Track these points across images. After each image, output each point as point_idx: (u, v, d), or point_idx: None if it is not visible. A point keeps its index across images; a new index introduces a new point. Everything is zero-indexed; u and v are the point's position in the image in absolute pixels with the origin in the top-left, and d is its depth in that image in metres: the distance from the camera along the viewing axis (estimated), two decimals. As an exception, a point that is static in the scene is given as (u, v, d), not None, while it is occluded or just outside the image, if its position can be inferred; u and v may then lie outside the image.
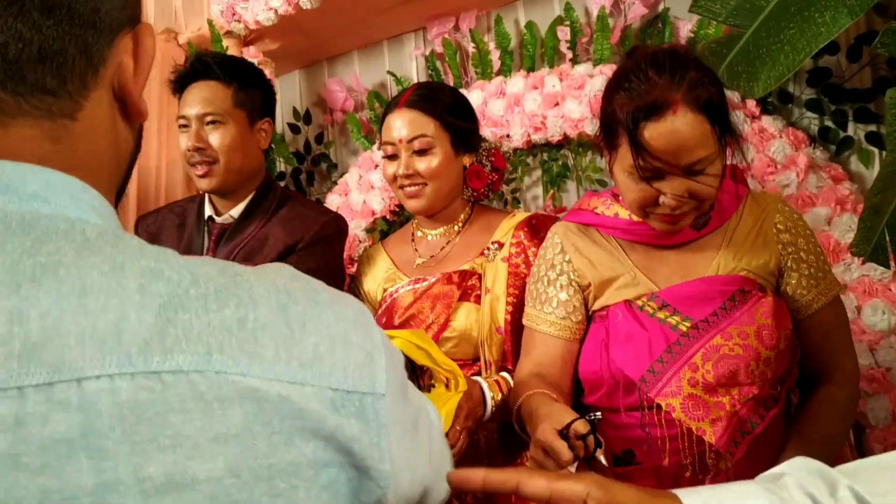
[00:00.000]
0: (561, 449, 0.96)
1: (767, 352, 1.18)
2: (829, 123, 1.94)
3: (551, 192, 2.30)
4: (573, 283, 1.32)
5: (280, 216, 1.69)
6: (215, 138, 1.65)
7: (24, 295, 0.41)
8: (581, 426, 0.98)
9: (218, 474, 0.43)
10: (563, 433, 0.97)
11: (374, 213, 2.50)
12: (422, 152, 1.51)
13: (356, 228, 2.49)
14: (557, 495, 0.62)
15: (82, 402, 0.40)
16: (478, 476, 0.64)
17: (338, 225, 1.71)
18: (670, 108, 1.11)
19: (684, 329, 1.20)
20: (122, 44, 0.52)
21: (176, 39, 2.66)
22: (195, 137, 1.64)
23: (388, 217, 2.52)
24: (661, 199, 1.16)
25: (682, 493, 0.63)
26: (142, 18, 0.55)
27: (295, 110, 2.87)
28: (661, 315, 1.22)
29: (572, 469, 0.97)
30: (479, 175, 1.58)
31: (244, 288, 0.47)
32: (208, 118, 1.65)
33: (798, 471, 0.64)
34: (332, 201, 2.58)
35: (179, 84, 1.70)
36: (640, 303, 1.25)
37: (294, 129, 2.87)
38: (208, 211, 1.74)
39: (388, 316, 1.55)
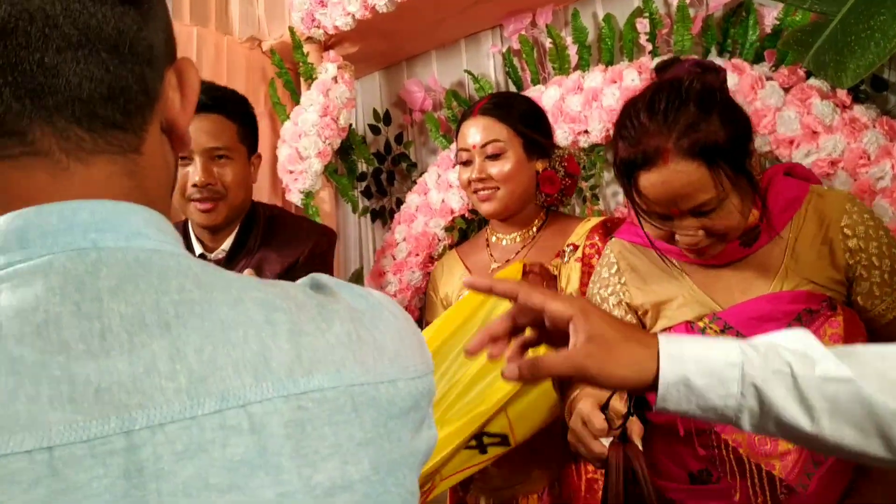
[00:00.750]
0: (595, 419, 1.02)
1: None
2: (928, 111, 1.84)
3: (631, 187, 2.26)
4: (623, 304, 1.29)
5: (271, 240, 1.69)
6: (224, 174, 1.60)
7: (176, 334, 0.45)
8: (620, 405, 1.02)
9: (366, 474, 0.49)
10: (604, 407, 1.03)
11: (452, 212, 2.51)
12: (494, 156, 1.53)
13: (435, 227, 2.52)
14: (549, 310, 0.76)
15: (253, 426, 0.45)
16: (485, 281, 0.83)
17: (329, 240, 1.74)
18: (661, 157, 1.05)
19: None
20: (167, 78, 0.55)
21: (260, 47, 2.74)
22: (205, 172, 1.57)
23: (466, 215, 2.54)
24: (675, 236, 1.12)
25: (664, 338, 0.75)
26: (177, 54, 0.57)
27: (375, 111, 2.92)
28: None
29: (606, 442, 1.04)
30: (553, 180, 1.58)
31: (331, 305, 0.52)
32: (217, 153, 1.59)
33: (787, 340, 0.74)
34: (412, 201, 2.61)
35: None
36: (701, 325, 1.20)
37: (374, 129, 2.92)
38: (198, 248, 1.71)
39: (463, 318, 1.56)
